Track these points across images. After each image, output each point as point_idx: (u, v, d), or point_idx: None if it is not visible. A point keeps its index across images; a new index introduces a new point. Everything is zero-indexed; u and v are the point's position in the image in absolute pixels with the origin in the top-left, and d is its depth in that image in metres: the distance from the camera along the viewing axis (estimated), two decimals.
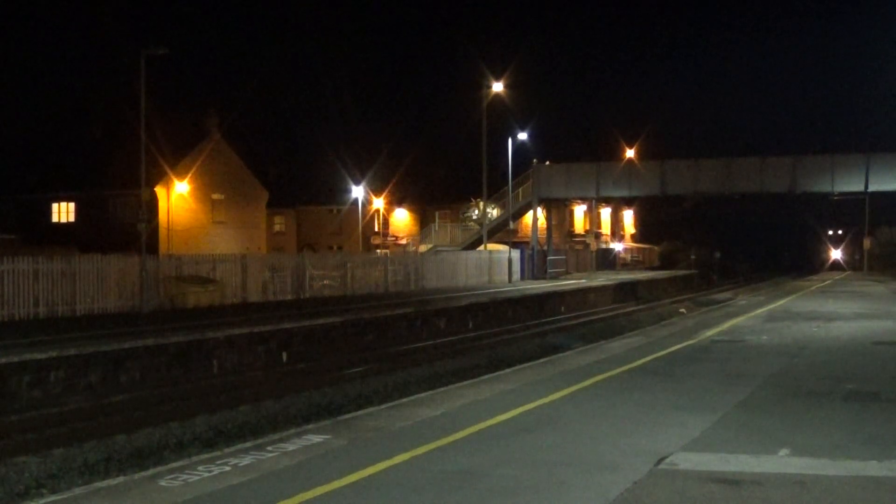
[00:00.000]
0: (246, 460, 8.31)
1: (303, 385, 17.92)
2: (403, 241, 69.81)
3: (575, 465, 7.96)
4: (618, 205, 79.47)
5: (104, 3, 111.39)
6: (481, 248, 49.16)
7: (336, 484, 7.37)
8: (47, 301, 23.68)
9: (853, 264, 72.54)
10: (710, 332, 19.76)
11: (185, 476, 7.76)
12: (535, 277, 49.08)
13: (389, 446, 8.72)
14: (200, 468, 8.05)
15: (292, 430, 10.20)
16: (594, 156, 59.75)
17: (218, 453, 8.89)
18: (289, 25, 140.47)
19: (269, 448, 8.82)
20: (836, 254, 67.56)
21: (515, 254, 49.05)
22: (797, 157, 48.19)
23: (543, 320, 32.32)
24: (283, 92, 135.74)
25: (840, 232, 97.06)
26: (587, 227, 75.76)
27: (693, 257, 79.02)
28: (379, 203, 68.28)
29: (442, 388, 13.37)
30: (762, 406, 10.70)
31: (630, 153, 60.14)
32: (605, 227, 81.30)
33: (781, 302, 30.21)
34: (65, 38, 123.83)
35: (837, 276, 53.76)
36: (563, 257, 56.23)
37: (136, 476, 8.07)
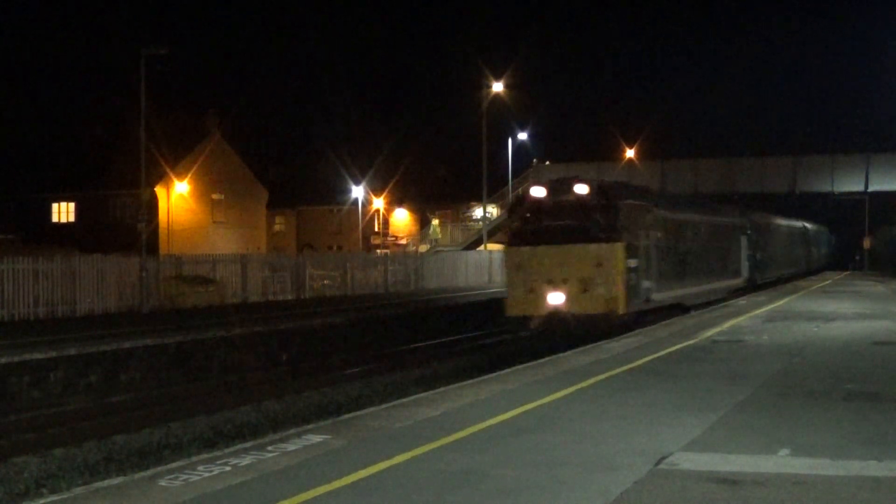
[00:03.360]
0: (246, 460, 8.30)
1: (303, 385, 17.93)
2: (403, 241, 69.78)
3: (575, 465, 7.96)
4: None
5: (104, 3, 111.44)
6: (481, 248, 49.14)
7: (336, 484, 7.36)
8: (47, 301, 23.67)
9: (856, 265, 71.45)
10: (710, 332, 19.74)
11: (185, 476, 7.75)
12: None
13: (389, 446, 8.71)
14: (200, 468, 8.04)
15: (292, 430, 10.18)
16: (594, 156, 59.67)
17: (218, 453, 8.88)
18: (289, 25, 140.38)
19: (269, 448, 8.81)
20: None
21: None
22: (797, 157, 48.23)
23: None
24: (283, 92, 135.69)
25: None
26: None
27: None
28: (379, 203, 68.25)
29: (442, 388, 13.36)
30: (762, 406, 10.69)
31: (630, 153, 60.09)
32: None
33: (781, 302, 30.18)
34: (65, 38, 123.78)
35: (837, 276, 53.64)
36: None
37: (136, 476, 8.07)
